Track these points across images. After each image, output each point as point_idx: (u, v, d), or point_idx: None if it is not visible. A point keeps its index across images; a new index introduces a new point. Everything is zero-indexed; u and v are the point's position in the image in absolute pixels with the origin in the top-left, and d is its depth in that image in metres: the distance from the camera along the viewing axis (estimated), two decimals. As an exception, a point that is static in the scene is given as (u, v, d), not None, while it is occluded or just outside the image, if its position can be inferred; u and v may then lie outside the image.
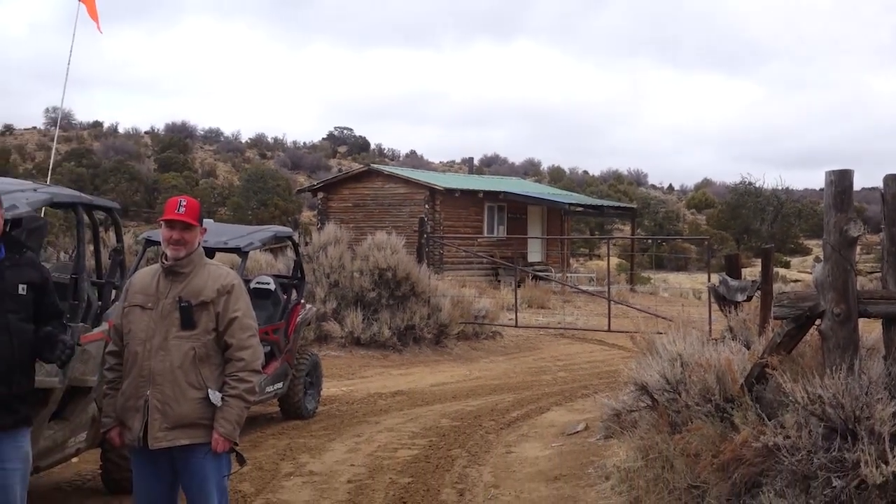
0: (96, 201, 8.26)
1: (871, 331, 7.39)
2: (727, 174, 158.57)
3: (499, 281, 34.23)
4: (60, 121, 35.53)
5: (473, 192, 38.26)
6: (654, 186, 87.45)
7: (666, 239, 54.83)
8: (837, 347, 6.51)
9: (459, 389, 15.36)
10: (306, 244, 20.23)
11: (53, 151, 17.64)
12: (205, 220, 5.99)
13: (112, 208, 8.52)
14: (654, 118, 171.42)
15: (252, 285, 12.55)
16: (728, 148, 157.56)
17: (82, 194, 8.28)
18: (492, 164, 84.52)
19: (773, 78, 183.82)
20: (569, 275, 38.00)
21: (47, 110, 78.26)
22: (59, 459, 7.41)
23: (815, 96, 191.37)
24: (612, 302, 23.27)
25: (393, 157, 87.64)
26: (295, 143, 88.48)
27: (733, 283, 11.27)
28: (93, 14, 14.31)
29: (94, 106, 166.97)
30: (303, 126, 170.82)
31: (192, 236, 5.58)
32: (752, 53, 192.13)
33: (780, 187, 62.07)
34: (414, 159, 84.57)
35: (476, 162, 78.07)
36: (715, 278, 13.93)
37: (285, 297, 12.79)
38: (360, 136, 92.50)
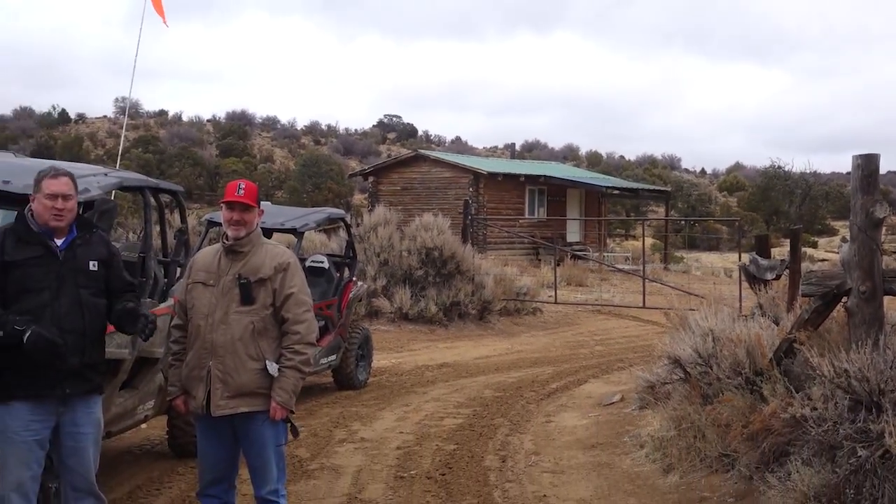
0: (162, 185, 8.32)
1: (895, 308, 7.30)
2: (757, 158, 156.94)
3: (539, 260, 34.14)
4: (129, 110, 35.85)
5: (515, 176, 38.15)
6: (687, 170, 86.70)
7: (698, 220, 54.37)
8: (863, 323, 6.45)
9: (502, 362, 15.36)
10: (358, 225, 20.26)
11: (122, 139, 17.78)
12: (262, 202, 6.01)
13: (177, 191, 8.59)
14: (688, 105, 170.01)
15: (307, 263, 12.61)
16: (758, 133, 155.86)
17: (149, 178, 8.35)
18: (533, 150, 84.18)
19: (801, 66, 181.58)
20: (605, 254, 37.83)
21: (117, 100, 78.94)
22: (129, 425, 7.50)
23: (843, 83, 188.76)
24: (646, 280, 23.16)
25: (439, 143, 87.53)
26: (347, 129, 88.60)
27: (763, 262, 11.15)
28: (159, 10, 14.39)
29: (160, 96, 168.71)
30: (354, 114, 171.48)
31: (251, 217, 5.61)
32: (782, 43, 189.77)
33: (808, 171, 61.38)
34: (459, 145, 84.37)
35: (518, 147, 77.91)
36: (745, 258, 13.81)
37: (338, 274, 12.84)
38: (408, 124, 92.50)
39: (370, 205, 36.48)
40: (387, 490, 7.73)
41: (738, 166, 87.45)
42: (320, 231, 19.69)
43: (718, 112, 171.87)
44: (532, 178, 38.58)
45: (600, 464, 8.34)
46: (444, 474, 8.18)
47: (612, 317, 22.82)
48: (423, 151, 44.67)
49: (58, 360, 5.12)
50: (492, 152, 79.12)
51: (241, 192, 5.57)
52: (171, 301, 7.04)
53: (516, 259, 30.49)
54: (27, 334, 5.01)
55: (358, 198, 55.40)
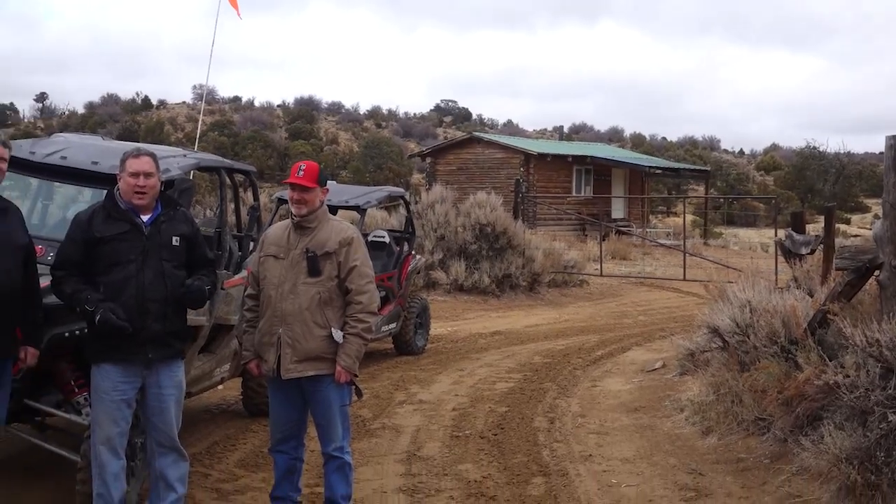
0: (236, 165, 8.39)
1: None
2: (793, 139, 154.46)
3: (585, 235, 33.93)
4: (206, 96, 36.14)
5: (563, 157, 37.94)
6: (726, 151, 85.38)
7: (736, 198, 53.58)
8: (894, 296, 6.35)
9: (550, 331, 15.33)
10: (416, 203, 20.30)
11: (200, 123, 17.91)
12: (329, 181, 6.02)
13: (249, 171, 8.65)
14: (727, 89, 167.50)
15: (369, 238, 12.66)
16: (794, 115, 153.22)
17: (224, 159, 8.42)
18: (580, 132, 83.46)
19: (836, 52, 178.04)
20: (648, 230, 37.50)
21: (194, 87, 79.74)
22: (207, 386, 7.60)
23: (876, 68, 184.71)
24: (687, 254, 22.98)
25: (492, 126, 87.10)
26: (406, 114, 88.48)
27: (798, 237, 11.02)
28: (234, 3, 14.44)
29: (234, 83, 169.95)
30: (413, 99, 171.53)
31: (312, 196, 5.61)
32: (817, 30, 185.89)
33: (842, 151, 60.22)
34: (510, 128, 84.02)
35: (566, 130, 77.48)
36: (782, 233, 13.63)
37: (398, 248, 12.87)
38: (464, 108, 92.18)
39: (428, 184, 36.51)
40: (443, 448, 7.77)
41: (774, 147, 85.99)
42: (381, 208, 19.76)
43: (756, 95, 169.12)
44: (579, 159, 38.33)
45: (642, 426, 8.31)
46: (496, 434, 8.20)
47: (654, 289, 22.66)
48: (477, 134, 44.52)
49: (132, 338, 5.22)
50: (541, 134, 78.66)
51: (301, 173, 5.60)
52: (244, 272, 7.11)
53: (564, 234, 30.32)
54: (97, 316, 5.11)
55: (416, 177, 55.39)
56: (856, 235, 37.13)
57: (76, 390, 5.94)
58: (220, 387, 8.19)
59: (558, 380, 10.66)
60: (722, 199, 51.42)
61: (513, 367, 11.57)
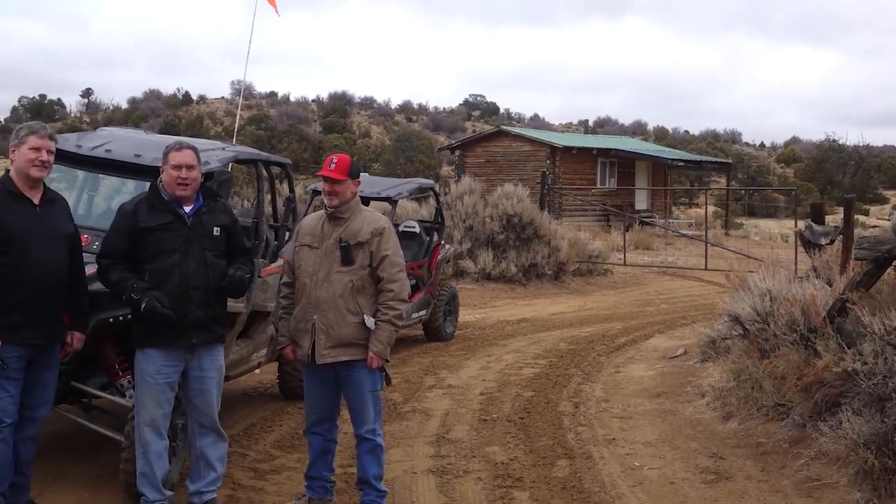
0: (272, 158, 8.42)
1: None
2: (813, 132, 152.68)
3: (610, 226, 33.75)
4: (243, 91, 36.32)
5: (588, 150, 37.74)
6: (747, 144, 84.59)
7: (757, 189, 53.12)
8: (912, 285, 6.29)
9: (575, 318, 15.30)
10: (446, 194, 20.28)
11: (238, 117, 18.01)
12: (361, 173, 6.02)
13: (285, 164, 8.68)
14: (748, 84, 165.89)
15: (400, 228, 12.67)
16: (814, 109, 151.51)
17: (261, 152, 8.45)
18: (604, 125, 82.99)
19: (855, 46, 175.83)
20: (671, 221, 37.26)
21: (233, 83, 79.86)
22: (245, 370, 7.64)
23: (895, 62, 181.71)
24: (708, 244, 22.84)
25: (519, 119, 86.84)
26: (436, 108, 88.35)
27: (818, 228, 10.92)
28: (272, 1, 14.47)
29: (271, 78, 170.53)
30: (443, 94, 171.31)
31: (343, 188, 5.61)
32: (836, 25, 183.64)
33: (861, 144, 59.39)
34: (537, 122, 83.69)
35: (591, 123, 76.97)
36: (801, 224, 13.51)
37: (428, 238, 12.88)
38: (491, 102, 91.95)
39: (457, 176, 36.41)
40: (471, 431, 7.78)
41: (794, 140, 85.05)
42: (412, 199, 19.76)
43: (777, 90, 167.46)
44: (603, 152, 38.12)
45: (665, 411, 8.28)
46: (522, 418, 8.20)
47: (676, 278, 22.53)
48: (504, 127, 44.42)
49: (176, 324, 5.27)
50: (567, 128, 78.27)
51: (333, 165, 5.62)
52: (280, 261, 7.14)
53: (589, 225, 30.19)
54: (143, 304, 5.17)
55: (446, 169, 55.36)
56: (874, 226, 36.70)
57: (121, 373, 6.00)
58: (257, 371, 8.23)
59: (583, 366, 10.64)
60: (743, 191, 51.04)
61: (539, 353, 11.55)
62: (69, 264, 5.20)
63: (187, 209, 5.43)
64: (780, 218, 47.21)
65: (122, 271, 5.31)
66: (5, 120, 66.68)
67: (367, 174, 14.72)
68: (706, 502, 6.02)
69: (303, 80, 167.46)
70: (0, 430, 4.98)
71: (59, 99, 79.68)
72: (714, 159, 48.75)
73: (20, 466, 5.20)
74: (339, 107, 76.19)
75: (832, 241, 10.43)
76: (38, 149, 5.04)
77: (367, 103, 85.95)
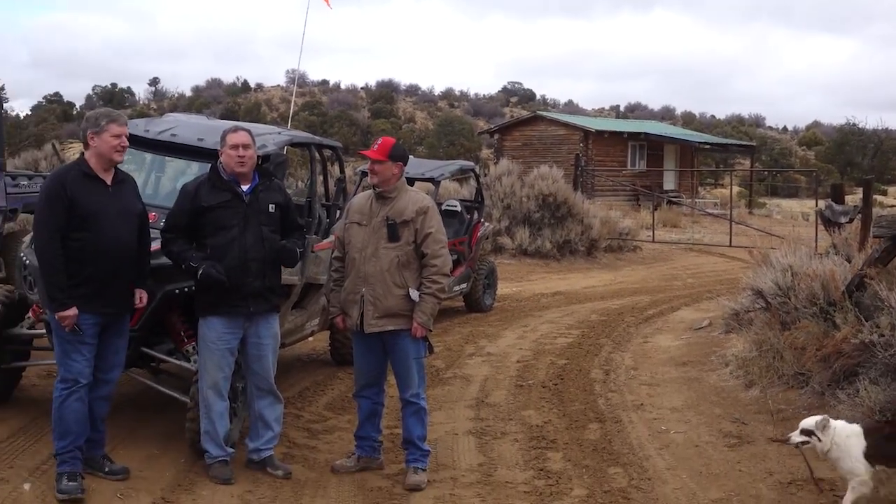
0: (324, 142, 8.44)
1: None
2: (834, 117, 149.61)
3: (639, 205, 33.44)
4: (297, 80, 36.41)
5: (619, 134, 37.41)
6: (770, 127, 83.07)
7: (780, 171, 52.35)
8: (928, 262, 6.17)
9: (606, 291, 15.22)
10: (485, 175, 20.23)
11: (292, 104, 18.05)
12: (406, 156, 6.00)
13: (336, 147, 8.70)
14: (772, 70, 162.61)
15: (443, 207, 12.65)
16: (835, 94, 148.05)
17: (314, 136, 8.47)
18: (635, 111, 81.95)
19: (875, 35, 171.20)
20: (697, 200, 36.85)
21: (288, 72, 79.87)
22: (299, 338, 7.70)
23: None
24: (733, 222, 22.57)
25: (554, 105, 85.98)
26: (476, 94, 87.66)
27: (838, 207, 10.76)
28: (323, -5, 14.42)
29: (323, 68, 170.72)
30: (482, 81, 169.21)
31: (382, 168, 5.60)
32: (857, 15, 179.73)
33: (880, 127, 58.14)
34: (571, 107, 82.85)
35: (622, 109, 76.28)
36: (822, 204, 13.30)
37: (468, 216, 12.86)
38: (528, 89, 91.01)
39: (495, 158, 36.25)
40: (508, 396, 7.79)
41: (816, 124, 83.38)
42: (454, 180, 19.73)
43: (799, 76, 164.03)
44: (634, 135, 37.75)
45: (690, 379, 8.23)
46: (556, 384, 8.19)
47: (702, 254, 22.31)
48: (540, 113, 44.09)
49: (236, 281, 5.32)
50: (599, 113, 77.48)
51: (375, 146, 5.64)
52: (332, 237, 7.18)
53: (619, 204, 29.93)
54: (200, 271, 5.23)
55: (485, 152, 55.11)
56: (892, 206, 36.04)
57: (186, 340, 6.07)
58: (310, 339, 8.29)
59: (613, 336, 10.59)
60: (766, 172, 50.33)
61: (572, 324, 11.52)
62: (138, 240, 5.28)
63: (245, 188, 5.48)
64: (801, 198, 46.47)
65: (182, 244, 5.40)
66: (80, 107, 67.43)
67: (412, 156, 14.69)
68: (728, 464, 5.98)
69: (352, 69, 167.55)
70: (76, 390, 5.08)
71: (129, 87, 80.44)
72: (739, 142, 48.09)
73: (95, 423, 5.30)
74: (386, 94, 76.07)
75: (851, 220, 10.27)
76: (119, 136, 5.12)
77: (412, 90, 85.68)
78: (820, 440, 4.88)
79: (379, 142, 5.65)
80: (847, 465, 4.85)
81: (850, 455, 4.83)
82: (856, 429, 4.93)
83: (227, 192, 5.44)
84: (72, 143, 27.33)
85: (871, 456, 4.81)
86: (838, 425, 4.94)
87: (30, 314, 6.28)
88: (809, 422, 4.98)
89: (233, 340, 5.48)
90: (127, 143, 5.20)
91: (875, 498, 4.83)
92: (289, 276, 6.50)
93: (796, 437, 5.03)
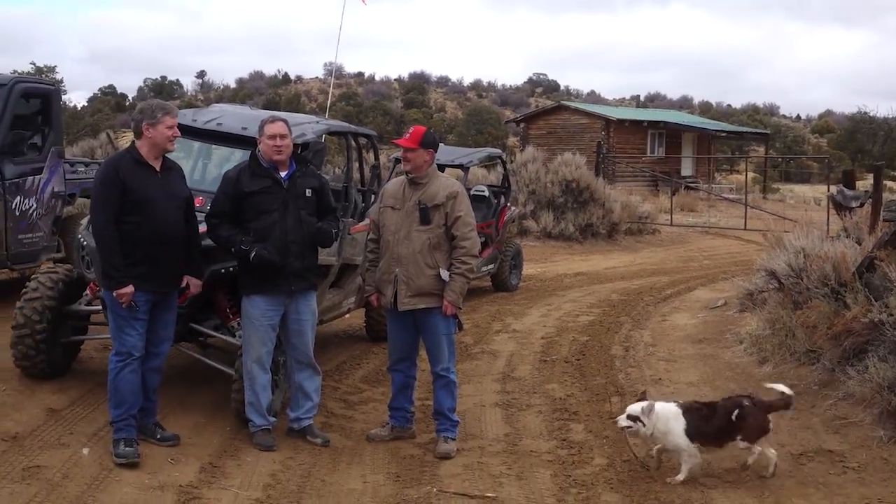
0: (360, 130, 8.44)
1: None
2: (846, 105, 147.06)
3: (658, 190, 33.16)
4: (335, 72, 36.39)
5: (639, 122, 37.08)
6: (784, 116, 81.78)
7: (793, 157, 51.66)
8: (936, 245, 6.07)
9: (626, 272, 15.15)
10: (512, 162, 20.17)
11: (330, 95, 18.08)
12: (437, 144, 6.00)
13: (371, 135, 8.70)
14: (786, 61, 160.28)
15: (471, 192, 12.62)
16: (847, 84, 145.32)
17: (350, 125, 8.49)
18: (654, 100, 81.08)
19: (886, 27, 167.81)
20: (713, 185, 36.48)
21: (325, 64, 79.83)
22: (336, 315, 7.74)
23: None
24: (747, 207, 22.34)
25: (577, 95, 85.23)
26: (503, 85, 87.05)
27: (849, 192, 10.63)
28: (358, -8, 14.37)
29: (359, 60, 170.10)
30: (509, 73, 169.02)
31: (414, 156, 5.61)
32: (869, 8, 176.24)
33: (890, 116, 57.10)
34: (593, 97, 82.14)
35: (642, 98, 75.54)
36: (834, 189, 13.15)
37: (496, 201, 12.83)
38: (553, 80, 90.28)
39: (521, 146, 36.05)
40: (533, 370, 7.79)
41: (828, 112, 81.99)
42: (482, 166, 19.69)
43: (813, 67, 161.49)
44: (653, 124, 37.40)
45: (706, 355, 8.17)
46: (578, 359, 8.17)
47: (718, 237, 22.13)
48: (564, 102, 43.81)
49: (278, 273, 5.36)
50: (620, 103, 76.74)
51: (407, 135, 5.64)
52: (367, 221, 7.19)
53: (639, 189, 29.71)
54: (252, 254, 5.27)
55: (511, 140, 54.81)
56: (902, 191, 35.45)
57: (231, 316, 6.12)
58: (347, 316, 8.33)
59: (633, 314, 10.54)
60: (780, 159, 49.73)
61: (593, 302, 11.48)
62: (185, 223, 5.32)
63: (283, 174, 5.51)
64: (813, 183, 45.87)
65: (229, 229, 5.44)
66: (132, 98, 67.92)
67: (442, 144, 14.66)
68: (742, 436, 5.93)
69: (386, 62, 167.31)
70: (130, 363, 5.15)
71: (177, 80, 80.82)
72: (754, 130, 47.54)
73: (147, 393, 5.37)
74: (418, 85, 75.90)
75: (862, 205, 10.14)
76: (172, 127, 5.18)
77: (443, 82, 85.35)
78: (644, 424, 5.14)
79: (410, 131, 5.66)
80: (672, 441, 5.16)
81: (673, 433, 5.12)
82: (674, 409, 5.21)
83: (267, 179, 5.47)
84: (125, 132, 27.59)
85: (689, 434, 5.13)
86: (658, 408, 5.18)
87: (87, 292, 6.36)
88: (636, 408, 5.21)
89: (275, 317, 5.52)
90: (178, 133, 5.25)
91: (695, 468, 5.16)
92: (326, 256, 6.52)
93: (623, 421, 5.26)
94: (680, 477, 5.12)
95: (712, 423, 5.15)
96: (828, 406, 6.18)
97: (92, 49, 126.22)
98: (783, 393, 5.31)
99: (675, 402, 5.39)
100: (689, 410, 5.20)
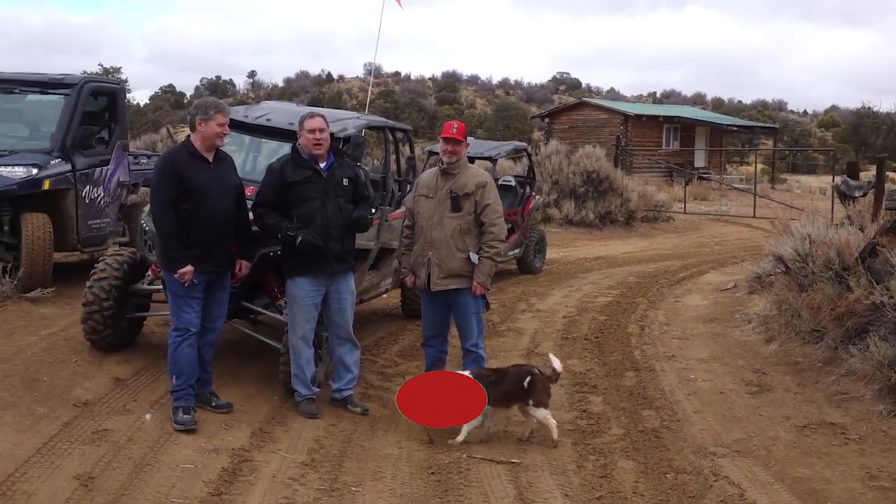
0: (397, 125, 8.43)
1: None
2: (851, 101, 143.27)
3: (672, 180, 32.77)
4: (373, 72, 36.43)
5: (655, 117, 36.67)
6: (792, 111, 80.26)
7: (800, 150, 50.85)
8: (936, 232, 5.94)
9: (642, 256, 15.03)
10: (536, 154, 20.06)
11: (369, 92, 18.09)
12: (468, 137, 6.01)
13: (407, 130, 8.69)
14: (794, 59, 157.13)
15: (499, 182, 12.56)
16: (852, 81, 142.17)
17: (388, 121, 8.47)
18: (669, 97, 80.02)
19: (891, 27, 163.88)
20: (725, 176, 36.02)
21: (365, 65, 79.78)
22: (374, 295, 7.76)
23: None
24: (756, 196, 22.06)
25: (597, 92, 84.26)
26: (529, 83, 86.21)
27: (853, 183, 10.44)
28: (397, -2, 14.25)
29: (396, 60, 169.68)
30: (535, 71, 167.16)
31: (460, 149, 5.65)
32: (875, 9, 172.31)
33: (893, 111, 55.91)
34: (612, 94, 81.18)
35: (658, 95, 74.59)
36: (838, 179, 12.90)
37: (522, 190, 12.77)
38: (575, 78, 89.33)
39: (545, 139, 35.83)
40: (555, 347, 7.76)
41: (834, 108, 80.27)
42: (509, 158, 19.60)
43: (819, 65, 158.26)
44: (668, 119, 36.97)
45: (716, 334, 8.09)
46: (597, 337, 8.13)
47: (728, 224, 21.86)
48: (585, 99, 43.43)
49: (321, 256, 5.37)
50: (638, 99, 75.88)
51: (454, 130, 5.61)
52: (403, 208, 7.19)
53: (655, 180, 29.39)
54: (298, 239, 5.29)
55: (536, 134, 54.41)
56: (903, 181, 34.72)
57: (279, 296, 6.15)
58: (384, 295, 8.35)
59: (648, 295, 10.46)
60: (787, 151, 48.96)
61: (611, 285, 11.40)
62: (236, 209, 5.35)
63: (322, 165, 5.52)
64: (819, 174, 45.07)
65: (275, 216, 5.46)
66: (190, 97, 68.43)
67: (472, 138, 14.62)
68: (749, 409, 5.88)
69: (421, 62, 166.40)
70: (188, 337, 5.21)
71: (230, 79, 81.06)
72: (763, 124, 46.83)
73: (204, 365, 5.43)
74: (450, 83, 75.57)
75: (865, 194, 9.96)
76: (223, 124, 5.21)
77: (473, 80, 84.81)
78: None
79: (456, 126, 5.68)
80: None
81: None
82: (466, 375, 5.27)
83: (307, 170, 5.48)
84: (183, 127, 27.79)
85: None
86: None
87: (149, 272, 6.43)
88: None
89: (317, 296, 5.54)
90: (228, 130, 5.28)
91: (482, 429, 5.32)
92: (366, 241, 6.53)
93: None
94: (460, 438, 5.22)
95: (500, 388, 5.26)
96: (830, 382, 6.09)
97: (154, 51, 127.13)
98: (554, 369, 5.43)
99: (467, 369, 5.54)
100: (480, 377, 5.28)
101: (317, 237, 5.36)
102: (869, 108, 56.37)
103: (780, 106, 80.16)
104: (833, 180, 19.04)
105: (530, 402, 5.26)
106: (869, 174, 18.21)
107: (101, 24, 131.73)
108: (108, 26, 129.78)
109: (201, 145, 5.22)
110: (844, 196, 10.45)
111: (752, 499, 4.49)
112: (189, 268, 5.09)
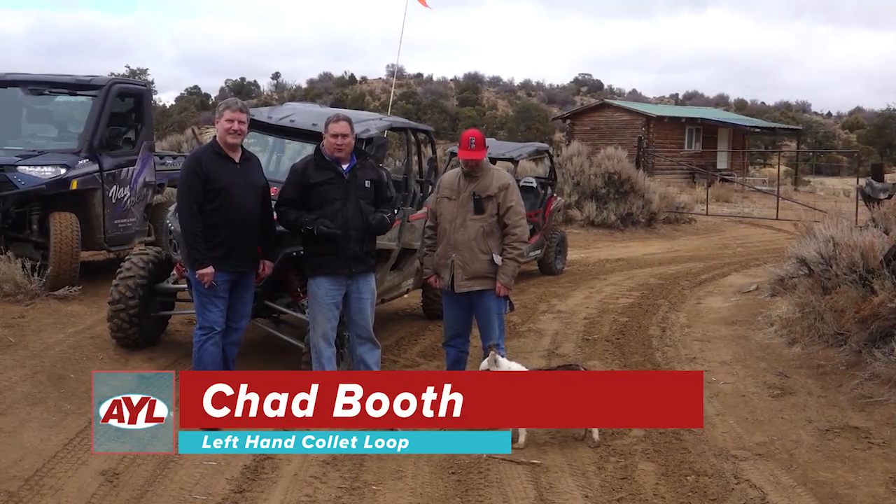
0: (419, 126, 8.44)
1: None
2: (875, 103, 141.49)
3: (694, 182, 32.52)
4: (396, 73, 36.45)
5: (677, 118, 36.39)
6: (815, 113, 79.45)
7: (823, 152, 50.32)
8: (963, 235, 5.84)
9: (663, 258, 14.94)
10: (558, 156, 19.99)
11: (392, 94, 18.13)
12: (488, 139, 5.99)
13: (429, 131, 8.70)
14: (817, 61, 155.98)
15: (521, 183, 12.54)
16: (876, 83, 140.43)
17: (410, 122, 8.48)
18: (692, 98, 79.51)
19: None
20: (747, 178, 35.70)
21: (388, 66, 79.94)
22: (396, 295, 7.77)
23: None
24: (779, 198, 21.87)
25: (619, 94, 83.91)
26: (550, 85, 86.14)
27: (877, 185, 10.33)
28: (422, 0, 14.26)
29: (418, 62, 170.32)
30: (556, 73, 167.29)
31: (481, 155, 5.63)
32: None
33: (918, 113, 55.36)
34: (634, 95, 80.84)
35: (680, 96, 74.14)
36: (862, 181, 12.76)
37: (543, 192, 12.74)
38: (597, 79, 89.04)
39: (567, 141, 35.70)
40: (576, 348, 7.73)
41: (858, 109, 79.39)
42: (530, 160, 19.55)
43: (843, 66, 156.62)
44: (691, 120, 36.68)
45: (738, 336, 8.02)
46: (618, 338, 8.09)
47: (751, 226, 21.67)
48: (607, 101, 43.19)
49: (339, 246, 5.37)
50: (660, 100, 75.42)
51: (472, 145, 5.58)
52: (425, 209, 7.19)
53: (676, 181, 29.20)
54: (314, 229, 5.33)
55: (558, 136, 54.23)
56: (928, 184, 34.20)
57: (301, 295, 6.18)
58: (405, 296, 8.36)
59: (669, 297, 10.39)
60: (811, 153, 48.47)
61: (633, 286, 11.34)
62: (261, 209, 5.38)
63: (344, 167, 5.52)
64: (843, 176, 44.56)
65: (296, 213, 5.48)
66: (215, 98, 68.92)
67: (493, 139, 14.61)
68: (772, 412, 5.82)
69: (443, 64, 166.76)
70: (212, 336, 5.24)
71: (255, 81, 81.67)
72: (786, 126, 46.32)
73: (227, 363, 5.46)
74: (472, 85, 75.58)
75: (890, 196, 9.85)
76: (231, 120, 5.22)
77: (495, 82, 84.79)
78: None
79: (474, 140, 5.57)
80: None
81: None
82: (517, 366, 5.35)
83: (330, 171, 5.49)
84: (208, 128, 27.99)
85: None
86: (503, 362, 5.32)
87: (174, 272, 6.48)
88: (484, 364, 5.31)
89: (337, 296, 5.55)
90: (239, 127, 5.27)
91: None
92: (387, 242, 6.53)
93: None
94: (521, 440, 5.18)
95: None
96: (854, 385, 6.02)
97: (180, 53, 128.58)
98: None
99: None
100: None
101: (331, 226, 5.36)
102: (893, 109, 55.74)
103: (804, 107, 79.36)
104: (857, 182, 18.83)
105: None
106: (894, 176, 17.99)
107: (129, 28, 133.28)
108: (136, 29, 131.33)
109: (223, 145, 5.27)
110: (869, 198, 10.34)
111: (773, 502, 4.45)
112: (210, 269, 5.11)
